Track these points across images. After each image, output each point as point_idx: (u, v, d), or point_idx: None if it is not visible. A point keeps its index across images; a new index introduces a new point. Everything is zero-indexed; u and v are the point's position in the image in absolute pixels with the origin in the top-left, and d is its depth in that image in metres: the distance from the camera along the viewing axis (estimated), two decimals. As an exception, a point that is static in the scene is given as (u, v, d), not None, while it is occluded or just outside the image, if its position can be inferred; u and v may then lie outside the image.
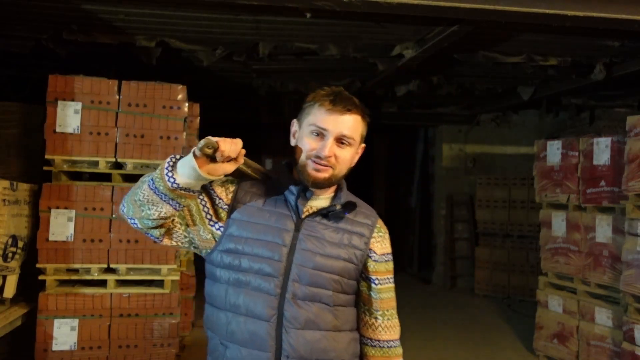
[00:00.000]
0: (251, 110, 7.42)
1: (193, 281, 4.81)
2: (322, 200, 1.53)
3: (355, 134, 1.49)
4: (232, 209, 1.50)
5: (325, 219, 1.50)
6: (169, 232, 1.49)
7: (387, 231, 1.60)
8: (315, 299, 1.44)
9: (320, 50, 4.30)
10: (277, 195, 1.51)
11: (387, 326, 1.58)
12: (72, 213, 3.50)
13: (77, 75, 3.59)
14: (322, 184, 1.48)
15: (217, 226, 1.51)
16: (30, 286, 3.54)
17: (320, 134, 1.46)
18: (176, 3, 3.39)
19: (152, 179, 1.39)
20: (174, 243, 1.52)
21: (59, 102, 3.53)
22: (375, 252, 1.54)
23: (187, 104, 3.75)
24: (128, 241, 3.58)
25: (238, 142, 1.37)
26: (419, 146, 8.86)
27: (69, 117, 3.53)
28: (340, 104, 1.46)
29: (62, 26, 3.87)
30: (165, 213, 1.41)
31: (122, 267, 3.58)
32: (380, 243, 1.56)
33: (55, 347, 3.44)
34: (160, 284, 3.69)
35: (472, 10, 2.90)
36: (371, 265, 1.54)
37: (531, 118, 7.76)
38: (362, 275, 1.55)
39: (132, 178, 3.78)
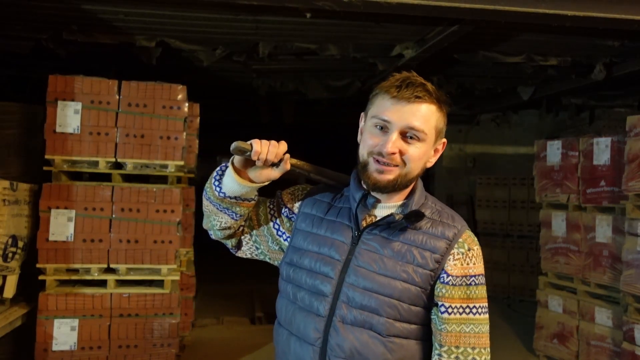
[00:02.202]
0: (251, 110, 7.42)
1: (193, 281, 4.81)
2: (387, 209, 1.30)
3: (427, 126, 1.23)
4: (297, 218, 1.38)
5: (388, 231, 1.25)
6: (240, 244, 1.43)
7: (475, 247, 1.27)
8: (365, 326, 1.21)
9: (320, 50, 4.30)
10: (344, 203, 1.34)
11: None
12: (72, 213, 3.50)
13: (77, 75, 3.60)
14: (386, 188, 1.25)
15: (284, 236, 1.40)
16: (30, 286, 3.54)
17: (384, 127, 1.23)
18: (176, 3, 3.38)
19: (205, 189, 1.34)
20: (248, 255, 1.46)
21: (59, 102, 3.53)
22: (447, 273, 1.23)
23: (187, 104, 3.75)
24: (128, 241, 3.58)
25: (280, 145, 1.23)
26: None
27: (69, 117, 3.53)
28: (407, 90, 1.22)
29: (62, 26, 3.87)
30: (225, 223, 1.34)
31: (122, 267, 3.58)
32: (460, 262, 1.23)
33: (55, 347, 3.44)
34: (160, 284, 3.69)
35: (472, 10, 2.90)
36: (440, 288, 1.23)
37: (531, 118, 7.76)
38: (433, 301, 1.25)
39: (132, 178, 3.78)
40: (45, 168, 3.56)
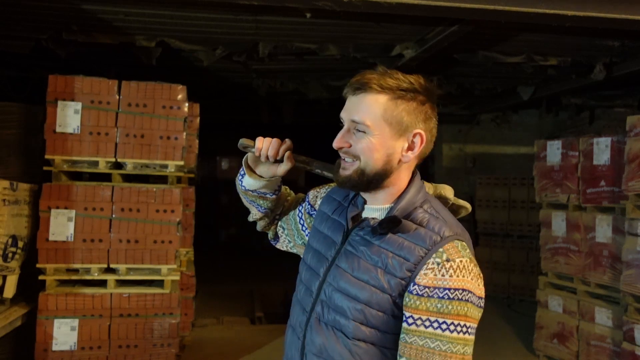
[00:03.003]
0: (251, 110, 7.42)
1: (193, 281, 4.81)
2: (373, 210, 1.26)
3: (368, 118, 1.16)
4: (315, 216, 1.41)
5: (370, 234, 1.21)
6: (277, 236, 1.57)
7: (458, 259, 1.13)
8: (336, 326, 1.20)
9: (320, 50, 4.30)
10: (350, 201, 1.33)
11: None
12: (72, 213, 3.51)
13: (77, 75, 3.60)
14: (346, 183, 1.22)
15: (306, 232, 1.47)
16: (30, 286, 3.54)
17: (342, 126, 1.24)
18: (176, 3, 3.38)
19: (236, 183, 1.48)
20: (284, 247, 1.58)
21: (59, 102, 3.53)
22: (417, 283, 1.13)
23: (187, 104, 3.75)
24: (128, 241, 3.58)
25: (282, 143, 1.33)
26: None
27: (69, 117, 3.53)
28: (353, 84, 1.19)
29: (62, 26, 3.87)
30: (255, 214, 1.51)
31: (122, 267, 3.58)
32: (434, 272, 1.11)
33: (55, 347, 3.44)
34: (160, 284, 3.69)
35: (472, 10, 2.89)
36: (406, 298, 1.14)
37: (531, 118, 7.76)
38: (401, 309, 1.17)
39: (132, 178, 3.78)
40: (45, 168, 3.56)
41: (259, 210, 1.48)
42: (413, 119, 1.19)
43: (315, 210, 1.44)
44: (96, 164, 3.60)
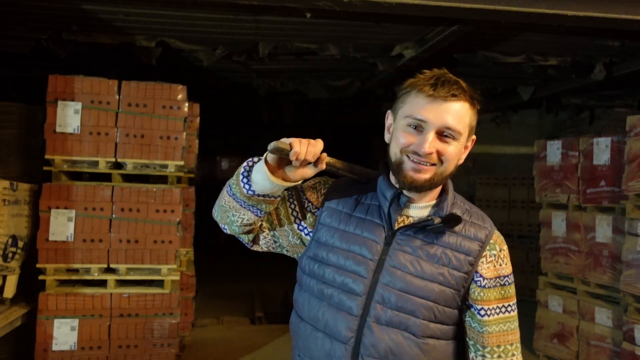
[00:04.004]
0: (251, 110, 7.42)
1: (193, 281, 4.81)
2: (420, 208, 1.29)
3: (462, 124, 1.22)
4: (322, 213, 1.35)
5: (423, 233, 1.25)
6: (257, 238, 1.40)
7: (505, 247, 1.30)
8: (401, 327, 1.21)
9: (320, 50, 4.30)
10: (372, 200, 1.32)
11: None
12: (72, 213, 3.51)
13: (77, 75, 3.60)
14: (423, 187, 1.24)
15: (306, 231, 1.38)
16: (30, 286, 3.54)
17: (418, 126, 1.21)
18: (176, 3, 3.38)
19: (229, 185, 1.30)
20: (264, 248, 1.43)
21: (59, 102, 3.53)
22: (482, 276, 1.25)
23: (187, 104, 3.75)
24: (128, 241, 3.58)
25: (317, 144, 1.20)
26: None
27: (69, 117, 3.53)
28: (443, 88, 1.20)
29: (62, 26, 3.87)
30: (247, 220, 1.32)
31: (122, 267, 3.58)
32: (493, 264, 1.26)
33: (55, 347, 3.44)
34: (160, 284, 3.69)
35: (472, 10, 2.89)
36: (476, 291, 1.25)
37: (531, 118, 7.76)
38: (466, 303, 1.27)
39: (132, 178, 3.79)
40: (45, 168, 3.56)
41: (257, 215, 1.31)
42: (475, 124, 1.29)
43: (317, 208, 1.37)
44: (96, 164, 3.60)
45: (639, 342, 3.53)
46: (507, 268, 1.28)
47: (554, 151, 4.59)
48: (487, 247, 1.27)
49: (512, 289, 1.28)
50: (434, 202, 1.30)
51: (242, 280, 7.19)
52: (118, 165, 3.69)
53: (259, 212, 1.30)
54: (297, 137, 1.24)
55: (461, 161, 1.29)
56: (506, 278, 1.27)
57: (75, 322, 3.48)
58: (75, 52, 4.28)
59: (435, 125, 1.20)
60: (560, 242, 4.50)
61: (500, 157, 7.86)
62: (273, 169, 1.22)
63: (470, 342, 1.28)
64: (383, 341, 1.21)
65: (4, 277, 3.33)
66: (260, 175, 1.22)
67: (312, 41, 4.22)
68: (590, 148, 4.24)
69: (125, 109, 3.62)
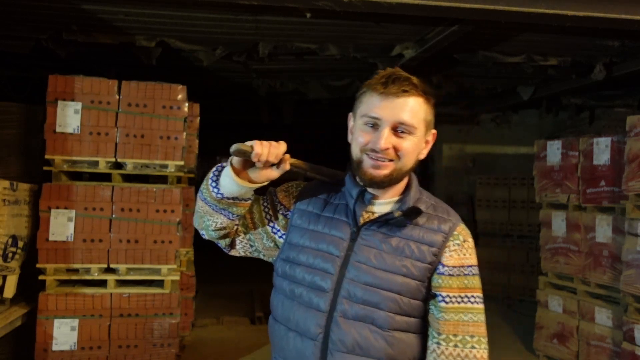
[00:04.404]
0: (251, 110, 7.42)
1: (193, 281, 4.81)
2: (384, 204, 1.32)
3: (416, 119, 1.25)
4: (293, 215, 1.38)
5: (387, 227, 1.28)
6: (234, 243, 1.43)
7: (469, 239, 1.31)
8: (367, 320, 1.23)
9: (320, 50, 4.30)
10: (340, 199, 1.35)
11: (452, 355, 1.23)
12: (72, 213, 3.51)
13: (77, 75, 3.60)
14: (383, 183, 1.27)
15: (279, 233, 1.41)
16: (30, 286, 3.54)
17: (374, 124, 1.25)
18: (176, 3, 3.39)
19: (201, 190, 1.34)
20: (241, 253, 1.46)
21: (59, 102, 3.53)
22: (445, 265, 1.26)
23: (187, 104, 3.75)
24: (128, 241, 3.58)
25: (279, 146, 1.24)
26: (419, 146, 8.85)
27: (69, 117, 3.53)
28: (394, 85, 1.24)
29: (62, 26, 3.87)
30: (221, 223, 1.35)
31: (122, 267, 3.58)
32: (457, 252, 1.27)
33: (55, 347, 3.44)
34: (160, 284, 3.69)
35: (472, 10, 2.90)
36: (438, 280, 1.26)
37: (531, 118, 7.76)
38: (431, 292, 1.28)
39: (132, 178, 3.79)
40: (45, 168, 3.56)
41: (229, 218, 1.34)
42: (433, 119, 1.32)
43: (289, 210, 1.40)
44: (96, 164, 3.60)
45: (639, 342, 3.53)
46: (471, 259, 1.29)
47: (554, 151, 4.59)
48: (451, 238, 1.28)
49: (476, 281, 1.28)
50: (397, 197, 1.33)
51: (242, 280, 7.19)
52: (118, 165, 3.69)
53: (230, 215, 1.34)
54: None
55: (422, 156, 1.33)
56: (470, 268, 1.28)
57: (75, 322, 3.48)
58: (75, 52, 4.28)
59: (389, 122, 1.24)
60: (560, 242, 4.50)
61: (500, 157, 7.86)
62: (239, 172, 1.27)
63: (430, 330, 1.28)
64: (350, 335, 1.23)
65: (4, 277, 3.33)
66: (227, 179, 1.27)
67: (312, 41, 4.22)
68: (590, 148, 4.24)
69: (125, 109, 3.62)
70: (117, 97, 3.62)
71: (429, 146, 1.34)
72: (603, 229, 4.08)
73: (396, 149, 1.24)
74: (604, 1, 2.93)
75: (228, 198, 1.29)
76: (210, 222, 1.36)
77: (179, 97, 3.71)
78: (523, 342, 5.12)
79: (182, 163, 3.73)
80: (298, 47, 4.28)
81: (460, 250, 1.28)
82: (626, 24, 3.05)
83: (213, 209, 1.33)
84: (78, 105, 3.55)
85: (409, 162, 1.27)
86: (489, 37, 4.11)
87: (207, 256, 5.64)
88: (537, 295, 4.75)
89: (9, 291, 3.37)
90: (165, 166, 3.71)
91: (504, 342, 5.22)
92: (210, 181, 1.31)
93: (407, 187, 1.33)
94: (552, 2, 2.88)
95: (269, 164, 1.24)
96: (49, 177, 3.55)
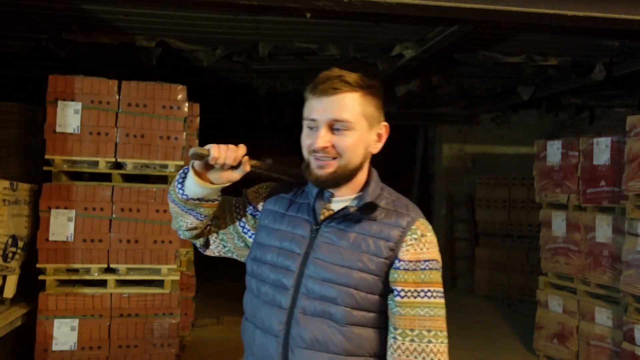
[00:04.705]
0: (251, 110, 7.42)
1: (193, 281, 4.81)
2: (342, 202, 1.34)
3: (350, 114, 1.26)
4: (261, 215, 1.42)
5: (345, 223, 1.30)
6: (208, 242, 1.49)
7: (428, 234, 1.30)
8: (325, 316, 1.25)
9: (320, 50, 4.30)
10: (304, 198, 1.38)
11: (408, 350, 1.24)
12: (72, 213, 3.50)
13: (77, 75, 3.60)
14: (328, 181, 1.29)
15: (249, 234, 1.45)
16: (30, 286, 3.54)
17: (313, 126, 1.29)
18: (176, 3, 3.38)
19: (170, 192, 1.40)
20: (216, 253, 1.51)
21: (59, 102, 3.53)
22: (402, 259, 1.26)
23: (187, 104, 3.75)
24: (128, 241, 3.58)
25: (238, 148, 1.28)
26: (419, 146, 8.86)
27: (69, 117, 3.53)
28: (324, 85, 1.27)
29: (62, 26, 3.87)
30: (191, 224, 1.40)
31: (122, 267, 3.58)
32: (413, 247, 1.27)
33: (55, 347, 3.44)
34: (160, 284, 3.69)
35: (472, 10, 2.90)
36: (394, 274, 1.26)
37: (531, 118, 7.76)
38: (389, 287, 1.28)
39: (132, 178, 3.79)
40: (45, 168, 3.56)
41: (198, 219, 1.38)
42: (379, 112, 1.32)
43: (258, 211, 1.44)
44: (96, 164, 3.60)
45: (639, 342, 3.53)
46: (429, 254, 1.28)
47: (554, 151, 4.59)
48: (408, 233, 1.28)
49: (433, 275, 1.27)
50: (355, 194, 1.34)
51: (242, 280, 7.11)
52: (118, 165, 3.69)
53: (199, 215, 1.38)
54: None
55: (374, 150, 1.34)
56: (427, 263, 1.27)
57: (75, 322, 3.48)
58: (75, 52, 4.28)
59: (324, 121, 1.26)
60: (560, 242, 4.50)
61: (500, 157, 7.86)
62: (200, 174, 1.31)
63: (389, 324, 1.28)
64: (309, 331, 1.25)
65: (4, 277, 3.33)
66: (190, 181, 1.32)
67: (312, 41, 4.22)
68: (590, 148, 4.24)
69: (125, 109, 3.62)
70: (117, 97, 3.62)
71: (383, 139, 1.34)
72: (603, 229, 4.08)
73: (335, 147, 1.26)
74: (604, 1, 2.92)
75: (193, 199, 1.34)
76: (182, 222, 1.41)
77: (179, 97, 3.71)
78: (523, 342, 5.12)
79: (182, 163, 3.73)
80: (298, 47, 4.27)
81: (417, 245, 1.27)
82: (626, 24, 3.05)
83: (182, 210, 1.38)
84: (78, 105, 3.55)
85: (353, 157, 1.28)
86: (489, 37, 4.11)
87: (207, 256, 5.65)
88: (537, 295, 4.75)
89: (9, 291, 3.37)
90: (165, 166, 3.71)
91: (504, 342, 5.22)
92: (176, 183, 1.36)
93: (367, 184, 1.34)
94: (552, 2, 2.88)
95: (228, 167, 1.28)
96: (49, 177, 3.55)
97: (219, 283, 7.01)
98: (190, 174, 1.31)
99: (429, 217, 9.07)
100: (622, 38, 4.07)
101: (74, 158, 3.56)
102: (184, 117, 3.72)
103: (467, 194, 7.78)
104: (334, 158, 1.27)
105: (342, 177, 1.30)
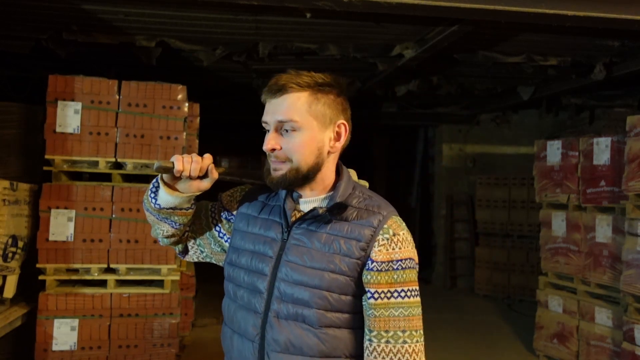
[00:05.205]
0: (251, 110, 7.41)
1: (193, 281, 4.81)
2: (311, 202, 1.33)
3: (296, 114, 1.24)
4: (235, 219, 1.42)
5: (316, 224, 1.28)
6: (186, 248, 1.49)
7: (401, 232, 1.27)
8: (298, 319, 1.24)
9: (320, 50, 4.30)
10: (276, 201, 1.37)
11: (384, 352, 1.22)
12: (72, 213, 3.51)
13: (77, 75, 3.60)
14: (279, 183, 1.27)
15: (225, 238, 1.45)
16: (30, 286, 3.54)
17: (266, 129, 1.30)
18: (176, 3, 3.38)
19: (144, 201, 1.41)
20: (194, 258, 1.51)
21: (59, 102, 3.53)
22: (374, 260, 1.23)
23: (187, 104, 3.75)
24: (128, 241, 3.58)
25: (203, 159, 1.27)
26: (419, 146, 8.86)
27: (69, 117, 3.53)
28: (270, 88, 1.28)
29: (62, 26, 3.87)
30: (167, 231, 1.40)
31: (122, 267, 3.58)
32: (385, 247, 1.24)
33: (55, 347, 3.44)
34: (160, 284, 3.69)
35: (472, 10, 2.90)
36: (367, 275, 1.24)
37: (531, 118, 7.76)
38: (362, 288, 1.26)
39: (132, 178, 3.78)
40: (45, 168, 3.56)
41: (173, 227, 1.38)
42: (334, 110, 1.29)
43: (233, 215, 1.43)
44: (96, 164, 3.60)
45: (639, 342, 3.53)
46: (401, 253, 1.24)
47: (554, 151, 4.59)
48: (380, 232, 1.25)
49: (407, 274, 1.24)
50: (325, 194, 1.33)
51: (242, 280, 7.19)
52: (118, 165, 3.69)
53: (173, 224, 1.38)
54: None
55: (333, 149, 1.31)
56: (399, 262, 1.24)
57: (75, 322, 3.48)
58: (75, 52, 4.28)
59: (271, 124, 1.27)
60: (560, 242, 4.50)
61: (500, 157, 7.86)
62: (170, 184, 1.32)
63: (364, 326, 1.26)
64: (283, 334, 1.24)
65: (4, 277, 3.33)
66: (161, 191, 1.32)
67: (312, 41, 4.22)
68: (590, 148, 4.24)
69: (125, 109, 3.62)
70: (117, 97, 3.62)
71: (342, 138, 1.31)
72: (603, 229, 4.08)
73: (284, 149, 1.26)
74: (604, 1, 2.92)
75: (166, 208, 1.34)
76: (159, 230, 1.42)
77: (179, 97, 3.71)
78: (523, 342, 5.12)
79: (182, 163, 3.72)
80: (298, 47, 4.28)
81: (390, 245, 1.24)
82: (626, 24, 3.05)
83: (157, 218, 1.38)
84: (78, 105, 3.55)
85: (305, 158, 1.26)
86: (489, 37, 4.11)
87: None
88: (537, 295, 4.75)
89: (9, 291, 3.37)
90: (165, 166, 3.70)
91: (504, 342, 5.22)
92: (150, 192, 1.37)
93: (337, 183, 1.32)
94: (552, 2, 2.88)
95: (194, 177, 1.28)
96: (49, 177, 3.55)
97: (219, 283, 6.98)
98: (160, 185, 1.32)
99: (429, 217, 9.05)
100: (622, 38, 4.08)
101: (74, 158, 3.56)
102: (184, 117, 3.72)
103: (467, 194, 7.78)
104: (284, 161, 1.26)
105: (295, 179, 1.27)
